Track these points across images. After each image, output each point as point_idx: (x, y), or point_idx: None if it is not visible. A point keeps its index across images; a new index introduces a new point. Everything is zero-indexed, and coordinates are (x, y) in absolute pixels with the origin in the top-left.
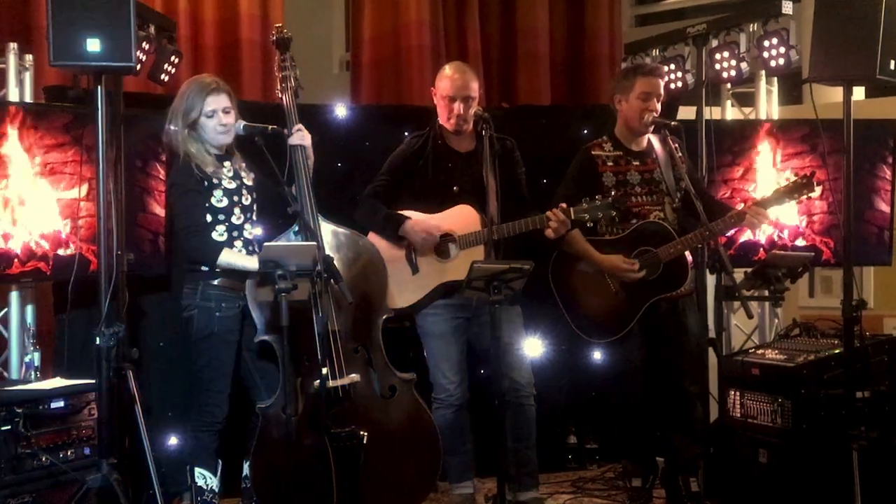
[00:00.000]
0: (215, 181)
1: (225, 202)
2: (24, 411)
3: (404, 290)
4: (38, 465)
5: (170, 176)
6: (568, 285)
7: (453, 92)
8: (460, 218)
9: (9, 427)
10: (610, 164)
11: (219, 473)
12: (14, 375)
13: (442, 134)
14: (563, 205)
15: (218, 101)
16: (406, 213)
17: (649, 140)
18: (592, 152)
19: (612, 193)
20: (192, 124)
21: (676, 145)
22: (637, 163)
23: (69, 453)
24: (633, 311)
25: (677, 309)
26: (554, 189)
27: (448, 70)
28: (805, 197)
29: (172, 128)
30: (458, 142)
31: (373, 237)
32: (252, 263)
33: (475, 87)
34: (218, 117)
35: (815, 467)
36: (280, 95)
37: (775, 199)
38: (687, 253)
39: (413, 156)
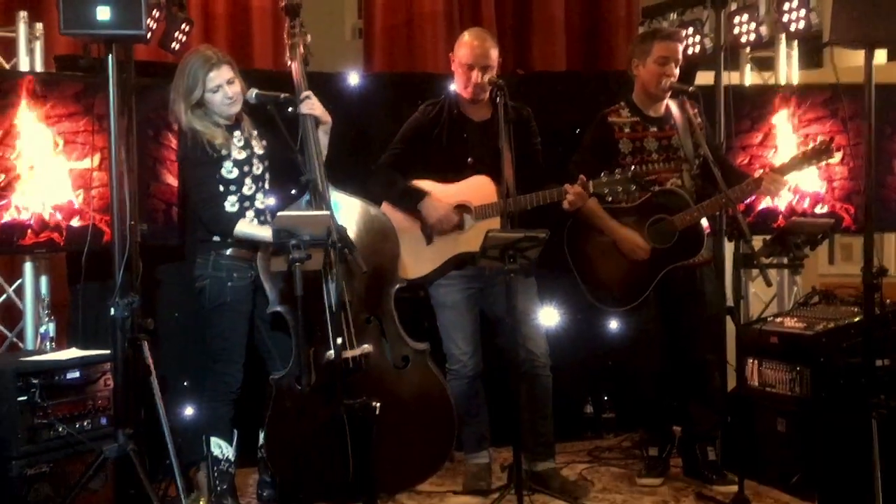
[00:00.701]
0: (224, 153)
1: (235, 173)
2: (40, 382)
3: (418, 261)
4: (54, 435)
5: (180, 149)
6: (583, 254)
7: (472, 60)
8: (476, 189)
9: (25, 398)
10: (627, 130)
11: (235, 443)
12: (29, 346)
13: (458, 102)
14: (583, 177)
15: (220, 75)
16: (422, 183)
17: (667, 106)
18: (609, 119)
19: (628, 160)
20: (196, 102)
21: (695, 111)
22: (654, 129)
23: (85, 423)
24: (648, 280)
25: (695, 277)
26: (569, 156)
27: (467, 37)
28: (824, 163)
29: (175, 103)
30: (475, 110)
31: (386, 207)
32: (268, 233)
33: (494, 56)
34: (223, 90)
35: (834, 436)
36: (289, 63)
37: (794, 165)
38: (704, 221)
39: (428, 124)
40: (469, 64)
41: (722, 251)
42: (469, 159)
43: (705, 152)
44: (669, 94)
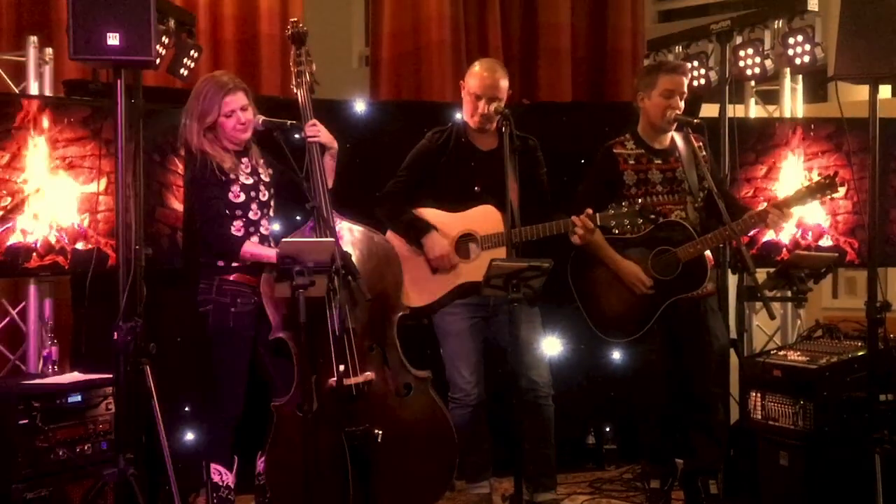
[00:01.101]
0: (232, 177)
1: (242, 198)
2: (41, 405)
3: (423, 290)
4: (55, 459)
5: (188, 171)
6: (587, 283)
7: (481, 91)
8: (483, 218)
9: (26, 421)
10: (631, 162)
11: (235, 469)
12: (32, 369)
13: (465, 130)
14: (590, 211)
15: (236, 101)
16: (428, 212)
17: (672, 138)
18: (614, 150)
19: (633, 192)
20: (210, 126)
21: (700, 144)
22: (659, 161)
23: (86, 447)
24: (651, 311)
25: (699, 309)
26: (575, 186)
27: (478, 67)
28: (828, 197)
29: (188, 126)
30: (482, 139)
31: (392, 234)
32: (275, 254)
33: (504, 87)
34: (237, 116)
35: (836, 471)
36: (295, 90)
37: (797, 199)
38: (708, 253)
39: (435, 152)
40: (477, 94)
41: (726, 284)
42: (476, 188)
43: (710, 184)
44: (674, 126)
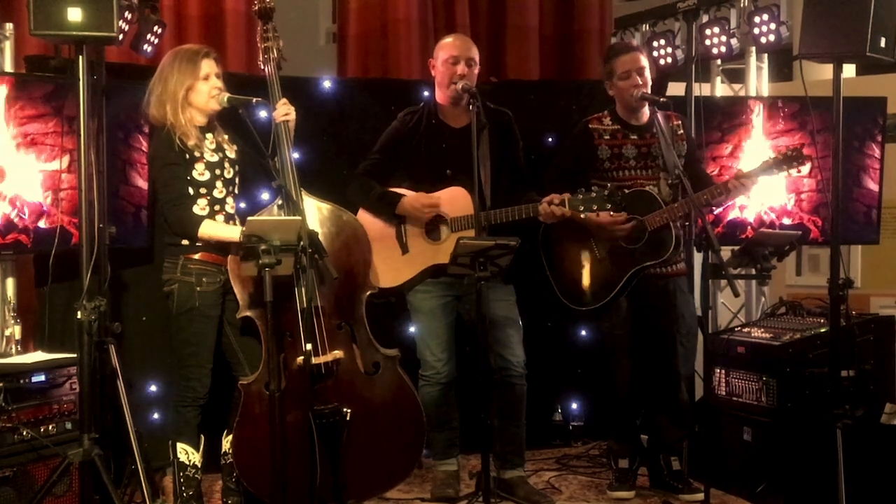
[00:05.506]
0: (197, 154)
1: (207, 175)
2: (4, 385)
3: (392, 270)
4: (18, 439)
5: (151, 148)
6: (556, 253)
7: (458, 52)
8: (453, 200)
9: None
10: (606, 137)
11: (201, 449)
12: None
13: (437, 110)
14: (555, 197)
15: (211, 66)
16: (398, 191)
17: (653, 116)
18: (590, 125)
19: (606, 166)
20: (187, 90)
21: (678, 122)
22: (635, 137)
23: (50, 428)
24: (618, 278)
25: (668, 289)
26: (541, 165)
27: (449, 38)
28: (795, 170)
29: (155, 99)
30: (454, 117)
31: (362, 215)
32: (234, 234)
33: (477, 54)
34: (212, 81)
35: (799, 446)
36: (262, 67)
37: (763, 169)
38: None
39: (407, 133)
40: (455, 55)
41: (691, 261)
42: (448, 171)
43: (675, 163)
44: (645, 102)
